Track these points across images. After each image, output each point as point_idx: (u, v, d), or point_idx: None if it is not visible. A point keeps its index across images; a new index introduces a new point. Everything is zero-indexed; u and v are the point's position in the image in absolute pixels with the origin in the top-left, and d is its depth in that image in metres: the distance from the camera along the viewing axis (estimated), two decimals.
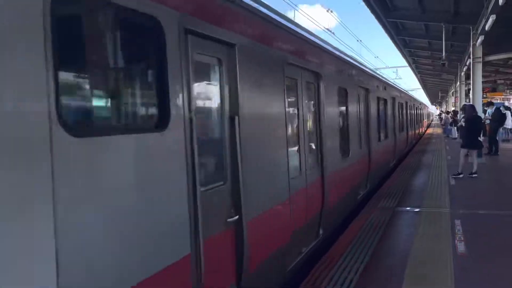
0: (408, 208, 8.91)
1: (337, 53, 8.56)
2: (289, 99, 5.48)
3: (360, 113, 9.84)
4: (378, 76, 13.90)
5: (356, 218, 8.33)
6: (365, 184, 10.28)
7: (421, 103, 38.97)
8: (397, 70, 59.12)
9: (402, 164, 16.61)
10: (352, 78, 9.33)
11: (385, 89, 14.06)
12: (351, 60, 10.01)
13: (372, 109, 11.24)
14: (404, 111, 19.80)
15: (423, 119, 41.06)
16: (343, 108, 8.43)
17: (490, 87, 35.41)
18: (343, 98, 8.35)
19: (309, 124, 6.46)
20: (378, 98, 12.51)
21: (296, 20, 6.65)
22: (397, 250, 6.26)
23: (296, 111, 5.88)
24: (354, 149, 8.89)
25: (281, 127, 5.12)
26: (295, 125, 5.85)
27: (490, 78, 36.31)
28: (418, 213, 8.42)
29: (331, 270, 5.55)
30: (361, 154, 9.67)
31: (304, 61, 6.14)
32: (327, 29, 24.99)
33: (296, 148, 5.79)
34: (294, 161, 5.56)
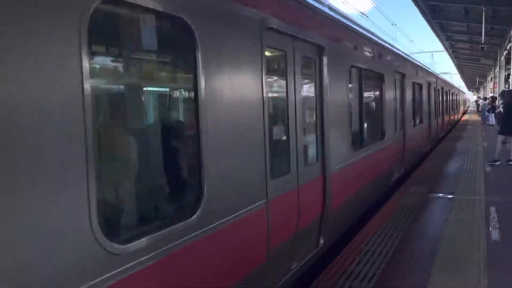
0: (441, 194, 8.73)
1: (386, 46, 9.48)
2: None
3: (395, 99, 9.82)
4: (414, 61, 13.86)
5: (386, 202, 8.24)
6: (398, 167, 10.31)
7: (457, 89, 37.83)
8: (432, 54, 57.33)
9: (437, 150, 16.25)
10: (390, 64, 9.41)
11: (420, 74, 14.02)
12: (394, 49, 10.40)
13: (408, 94, 11.18)
14: (440, 97, 19.65)
15: (459, 106, 39.90)
16: (382, 94, 8.65)
17: None
18: (382, 84, 8.62)
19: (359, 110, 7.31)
20: (414, 84, 12.41)
21: (332, 3, 6.65)
22: (428, 236, 6.16)
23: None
24: (389, 133, 9.00)
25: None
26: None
27: None
28: (451, 199, 8.24)
29: (359, 253, 5.54)
30: (395, 139, 9.68)
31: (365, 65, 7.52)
32: (362, 13, 24.47)
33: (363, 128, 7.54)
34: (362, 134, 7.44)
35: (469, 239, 5.93)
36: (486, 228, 6.36)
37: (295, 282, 4.83)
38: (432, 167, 12.26)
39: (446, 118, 23.12)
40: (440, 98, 19.72)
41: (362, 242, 5.97)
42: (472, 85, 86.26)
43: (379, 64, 8.39)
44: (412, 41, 76.23)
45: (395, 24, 36.20)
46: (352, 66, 6.65)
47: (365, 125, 7.57)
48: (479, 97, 66.69)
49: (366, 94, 7.71)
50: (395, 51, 10.40)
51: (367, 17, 25.59)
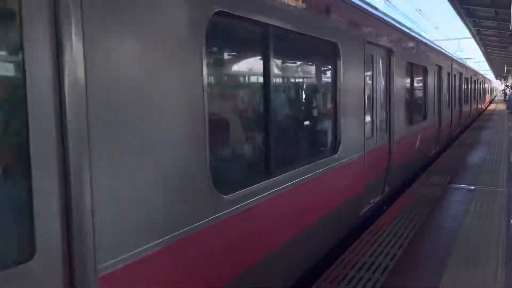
0: (461, 185, 8.53)
1: (424, 40, 11.40)
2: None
3: (433, 87, 11.93)
4: (445, 52, 15.57)
5: (404, 193, 8.10)
6: (435, 145, 12.58)
7: (483, 77, 36.87)
8: (459, 41, 55.69)
9: (459, 140, 15.89)
10: (430, 57, 11.52)
11: (451, 64, 15.57)
12: (430, 43, 12.51)
13: (443, 83, 13.35)
14: (467, 86, 21.12)
15: (486, 94, 38.96)
16: (423, 83, 10.87)
17: None
18: (425, 75, 10.94)
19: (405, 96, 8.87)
20: (449, 74, 14.67)
21: None
22: (446, 227, 6.02)
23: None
24: (430, 115, 11.33)
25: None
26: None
27: None
28: (472, 191, 8.04)
29: (373, 244, 5.46)
30: (433, 120, 11.94)
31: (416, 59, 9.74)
32: None
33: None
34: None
35: (488, 232, 5.78)
36: (506, 221, 6.18)
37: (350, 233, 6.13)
38: (453, 157, 11.99)
39: (473, 106, 23.32)
40: (467, 87, 20.21)
41: (377, 232, 5.87)
42: (500, 73, 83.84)
43: (423, 59, 10.59)
44: (437, 28, 74.17)
45: (420, 10, 35.34)
46: (408, 62, 8.93)
47: (414, 107, 9.74)
48: (506, 86, 64.77)
49: (415, 83, 10.04)
50: (434, 48, 12.67)
51: (390, 2, 24.97)
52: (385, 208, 7.54)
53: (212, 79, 3.45)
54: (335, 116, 5.40)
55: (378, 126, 7.14)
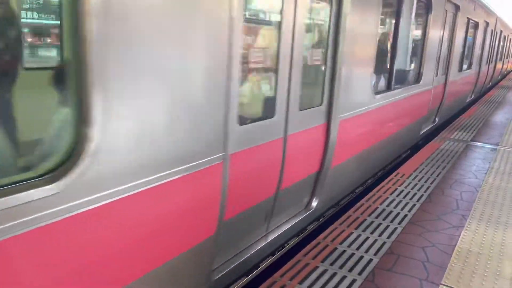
0: (484, 144, 8.31)
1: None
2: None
3: (481, 41, 13.28)
4: (491, 9, 16.39)
5: (427, 145, 7.93)
6: (471, 92, 13.81)
7: None
8: None
9: (485, 97, 15.43)
10: (481, 13, 12.39)
11: (496, 22, 16.46)
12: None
13: (487, 38, 14.68)
14: (506, 43, 22.47)
15: None
16: (474, 37, 12.12)
17: None
18: (476, 30, 12.17)
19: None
20: (492, 31, 15.69)
21: None
22: (467, 183, 5.90)
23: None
24: (473, 66, 12.78)
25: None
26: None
27: None
28: (494, 150, 7.83)
29: (392, 193, 5.38)
30: (474, 71, 13.22)
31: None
32: None
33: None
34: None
35: (511, 192, 5.65)
36: None
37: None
38: (478, 115, 11.66)
39: (505, 64, 23.73)
40: (503, 44, 20.30)
41: (397, 182, 5.78)
42: None
43: (477, 14, 11.59)
44: None
45: None
46: (467, 18, 10.39)
47: (464, 57, 11.27)
48: None
49: (469, 37, 11.41)
50: (484, 4, 13.14)
51: None
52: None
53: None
54: (422, 57, 7.44)
55: (441, 69, 8.90)
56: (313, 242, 4.03)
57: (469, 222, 4.64)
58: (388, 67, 6.17)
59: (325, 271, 3.54)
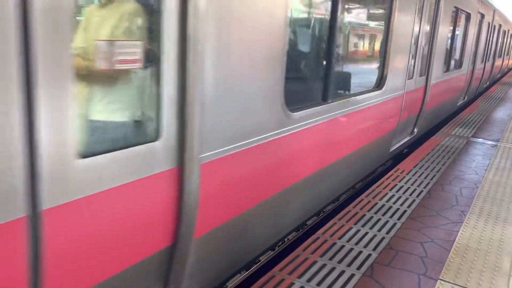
0: (484, 140, 8.31)
1: None
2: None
3: (472, 36, 12.34)
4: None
5: (427, 141, 7.94)
6: (463, 94, 13.45)
7: None
8: None
9: (486, 95, 15.42)
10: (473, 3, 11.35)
11: (493, 14, 15.56)
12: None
13: (482, 34, 13.85)
14: (505, 39, 21.92)
15: None
16: (464, 30, 11.11)
17: None
18: (466, 23, 11.02)
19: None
20: (489, 25, 15.01)
21: None
22: (466, 180, 5.90)
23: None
24: (464, 65, 11.82)
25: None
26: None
27: None
28: (495, 147, 7.84)
29: (392, 189, 5.39)
30: (465, 71, 12.52)
31: None
32: None
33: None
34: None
35: (511, 188, 5.66)
36: None
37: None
38: (478, 111, 11.65)
39: (505, 61, 23.49)
40: (504, 40, 20.23)
41: (396, 178, 5.79)
42: None
43: (468, 3, 10.37)
44: None
45: None
46: (455, 7, 9.15)
47: (452, 55, 10.26)
48: None
49: (456, 30, 10.39)
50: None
51: None
52: (405, 151, 7.42)
53: None
54: (385, 56, 5.70)
55: (418, 69, 7.16)
56: (312, 237, 4.05)
57: (468, 218, 4.66)
58: (323, 71, 4.32)
59: (323, 266, 3.56)
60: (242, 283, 4.16)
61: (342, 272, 3.49)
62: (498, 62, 20.63)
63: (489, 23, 14.17)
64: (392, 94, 5.92)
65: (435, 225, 4.45)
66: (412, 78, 6.82)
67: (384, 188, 5.39)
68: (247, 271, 4.27)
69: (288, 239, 4.89)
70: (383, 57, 5.65)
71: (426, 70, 7.62)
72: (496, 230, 4.41)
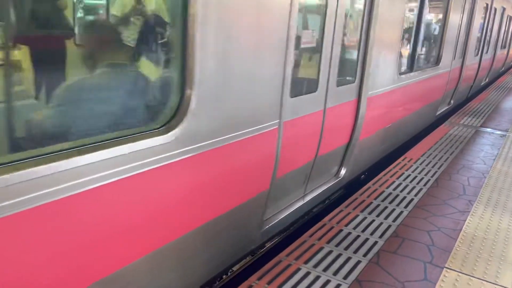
0: (493, 129, 8.25)
1: None
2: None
3: (495, 28, 13.96)
4: None
5: (435, 130, 7.90)
6: (502, 66, 16.38)
7: None
8: None
9: (496, 84, 15.25)
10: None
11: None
12: None
13: (502, 24, 15.41)
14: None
15: None
16: (488, 23, 12.46)
17: None
18: (492, 16, 12.62)
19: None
20: (508, 17, 16.61)
21: None
22: (474, 169, 5.88)
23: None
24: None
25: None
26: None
27: None
28: (504, 136, 7.78)
29: (399, 177, 5.38)
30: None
31: None
32: None
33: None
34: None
35: None
36: None
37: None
38: (488, 101, 11.55)
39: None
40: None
41: (404, 166, 5.78)
42: None
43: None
44: None
45: None
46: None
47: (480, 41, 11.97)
48: None
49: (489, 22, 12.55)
50: None
51: None
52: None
53: None
54: (441, 41, 8.03)
55: (458, 52, 9.38)
56: (319, 224, 4.06)
57: (476, 207, 4.65)
58: (411, 51, 6.67)
59: (330, 252, 3.58)
60: (248, 267, 4.19)
61: (349, 258, 3.51)
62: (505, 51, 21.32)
63: (509, 15, 16.06)
64: (443, 70, 8.22)
65: (442, 214, 4.45)
66: (454, 59, 9.02)
67: (391, 176, 5.38)
68: (253, 256, 4.30)
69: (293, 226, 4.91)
70: (440, 41, 7.98)
71: (462, 54, 9.76)
72: (503, 220, 4.40)
